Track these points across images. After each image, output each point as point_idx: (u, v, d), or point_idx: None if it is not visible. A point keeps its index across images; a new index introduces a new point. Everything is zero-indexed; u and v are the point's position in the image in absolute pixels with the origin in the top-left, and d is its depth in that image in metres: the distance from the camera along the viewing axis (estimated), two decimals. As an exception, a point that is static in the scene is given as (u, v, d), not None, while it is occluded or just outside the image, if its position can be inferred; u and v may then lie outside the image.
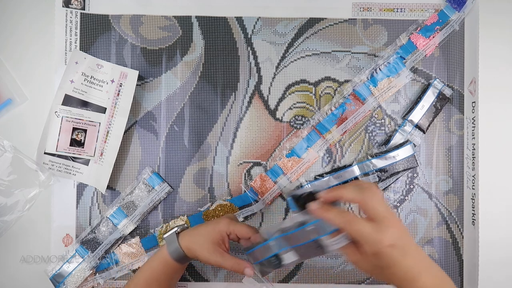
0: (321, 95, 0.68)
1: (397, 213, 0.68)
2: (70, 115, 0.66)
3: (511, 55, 0.67)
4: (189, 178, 0.69)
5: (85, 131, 0.66)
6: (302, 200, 0.48)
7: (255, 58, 0.68)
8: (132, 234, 0.68)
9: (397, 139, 0.67)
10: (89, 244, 0.67)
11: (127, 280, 0.68)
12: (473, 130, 0.66)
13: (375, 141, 0.68)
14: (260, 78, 0.68)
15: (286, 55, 0.68)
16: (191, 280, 0.69)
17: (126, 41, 0.69)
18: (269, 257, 0.51)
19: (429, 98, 0.67)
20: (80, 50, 0.68)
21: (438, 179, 0.68)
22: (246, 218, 0.68)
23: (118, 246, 0.68)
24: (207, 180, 0.69)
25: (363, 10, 0.69)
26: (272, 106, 0.69)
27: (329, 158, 0.68)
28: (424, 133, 0.67)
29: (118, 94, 0.66)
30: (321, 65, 0.68)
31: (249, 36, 0.69)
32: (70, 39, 0.68)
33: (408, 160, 0.65)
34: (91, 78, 0.66)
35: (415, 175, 0.68)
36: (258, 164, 0.68)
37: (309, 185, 0.59)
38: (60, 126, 0.66)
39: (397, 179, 0.67)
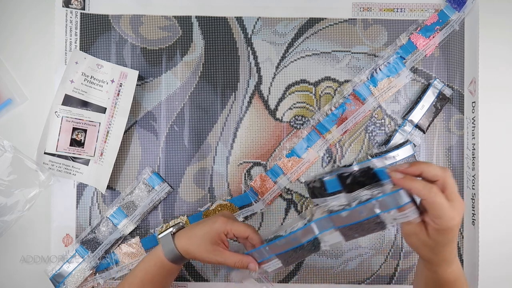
0: (321, 95, 0.69)
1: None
2: (70, 115, 0.66)
3: (511, 55, 0.67)
4: (189, 178, 0.69)
5: (85, 131, 0.66)
6: (355, 178, 0.49)
7: (255, 58, 0.68)
8: (132, 234, 0.68)
9: (397, 139, 0.67)
10: (89, 244, 0.67)
11: (127, 280, 0.68)
12: (473, 130, 0.66)
13: (375, 141, 0.68)
14: (260, 78, 0.68)
15: (286, 55, 0.68)
16: (191, 280, 0.69)
17: (126, 41, 0.69)
18: (305, 242, 0.49)
19: (429, 98, 0.67)
20: (80, 50, 0.68)
21: (438, 179, 0.68)
22: (246, 218, 0.68)
23: (118, 246, 0.68)
24: (207, 180, 0.69)
25: (363, 10, 0.69)
26: (272, 106, 0.69)
27: (329, 158, 0.68)
28: (424, 133, 0.67)
29: (118, 94, 0.66)
30: (321, 65, 0.69)
31: (249, 36, 0.69)
32: (70, 39, 0.68)
33: (408, 160, 0.65)
34: (91, 78, 0.66)
35: (415, 175, 0.68)
36: (258, 164, 0.68)
37: (357, 165, 0.58)
38: (60, 126, 0.66)
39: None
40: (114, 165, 0.66)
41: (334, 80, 0.68)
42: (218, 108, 0.69)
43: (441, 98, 0.67)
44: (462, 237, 0.67)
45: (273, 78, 0.69)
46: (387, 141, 0.67)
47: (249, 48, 0.69)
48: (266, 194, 0.67)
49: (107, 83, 0.67)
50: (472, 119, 0.66)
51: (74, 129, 0.66)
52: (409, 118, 0.66)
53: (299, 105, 0.68)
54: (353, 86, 0.67)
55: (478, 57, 0.64)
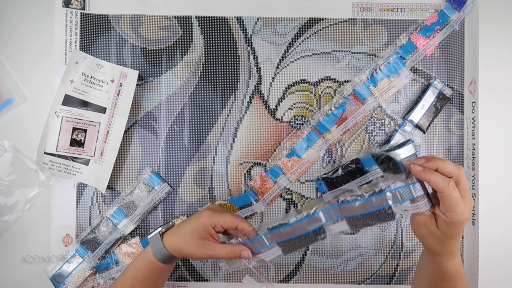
0: (321, 95, 0.69)
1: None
2: (70, 115, 0.66)
3: (511, 55, 0.67)
4: (189, 178, 0.69)
5: (85, 131, 0.66)
6: (382, 161, 0.54)
7: (255, 58, 0.68)
8: (132, 234, 0.68)
9: (397, 139, 0.67)
10: (89, 244, 0.67)
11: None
12: (473, 130, 0.66)
13: (375, 141, 0.68)
14: (260, 78, 0.68)
15: (286, 55, 0.68)
16: (191, 280, 0.69)
17: (126, 41, 0.69)
18: (311, 231, 0.50)
19: (429, 98, 0.67)
20: (80, 50, 0.68)
21: (438, 179, 0.68)
22: (246, 218, 0.68)
23: (118, 246, 0.68)
24: (207, 180, 0.69)
25: (363, 10, 0.69)
26: (272, 106, 0.69)
27: (329, 158, 0.68)
28: (424, 133, 0.67)
29: (118, 94, 0.66)
30: (321, 65, 0.69)
31: (249, 36, 0.69)
32: (70, 39, 0.68)
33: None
34: (91, 78, 0.66)
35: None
36: (258, 164, 0.68)
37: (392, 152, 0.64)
38: (60, 126, 0.66)
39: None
40: (114, 165, 0.66)
41: (334, 80, 0.68)
42: (218, 108, 0.69)
43: (441, 98, 0.67)
44: (462, 237, 0.67)
45: (273, 78, 0.69)
46: (387, 141, 0.67)
47: (249, 48, 0.69)
48: (266, 194, 0.67)
49: (107, 83, 0.67)
50: (472, 119, 0.66)
51: (74, 129, 0.66)
52: (409, 118, 0.66)
53: (299, 105, 0.68)
54: (353, 86, 0.67)
55: (478, 57, 0.64)
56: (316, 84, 0.69)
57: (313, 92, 0.69)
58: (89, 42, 0.68)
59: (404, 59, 0.67)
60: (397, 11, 0.68)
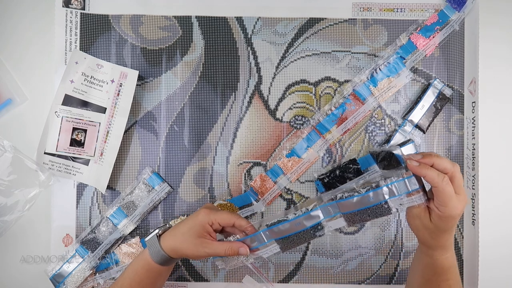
0: (321, 95, 0.69)
1: (397, 213, 0.68)
2: (70, 115, 0.66)
3: (511, 55, 0.67)
4: (189, 178, 0.69)
5: (85, 131, 0.66)
6: (382, 158, 0.55)
7: (255, 58, 0.68)
8: (132, 234, 0.68)
9: (397, 139, 0.67)
10: (89, 244, 0.67)
11: (127, 280, 0.68)
12: (473, 130, 0.66)
13: (375, 141, 0.68)
14: (260, 78, 0.68)
15: (286, 55, 0.68)
16: (191, 280, 0.69)
17: (126, 41, 0.69)
18: (309, 227, 0.51)
19: (429, 98, 0.67)
20: (80, 50, 0.68)
21: (438, 179, 0.68)
22: (246, 218, 0.68)
23: (118, 246, 0.68)
24: (207, 180, 0.69)
25: (363, 10, 0.69)
26: (272, 106, 0.69)
27: (329, 158, 0.68)
28: (424, 133, 0.67)
29: (118, 94, 0.66)
30: (321, 65, 0.69)
31: (249, 36, 0.69)
32: (70, 39, 0.68)
33: None
34: (91, 78, 0.66)
35: (415, 175, 0.68)
36: (258, 164, 0.68)
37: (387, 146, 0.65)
38: (60, 126, 0.66)
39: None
40: (114, 165, 0.66)
41: (334, 80, 0.68)
42: (218, 108, 0.69)
43: (441, 98, 0.67)
44: (462, 237, 0.67)
45: (273, 78, 0.69)
46: (387, 141, 0.67)
47: (249, 48, 0.69)
48: (266, 194, 0.67)
49: (107, 83, 0.67)
50: (472, 119, 0.66)
51: (74, 129, 0.66)
52: (409, 118, 0.66)
53: (299, 105, 0.68)
54: (353, 86, 0.67)
55: (478, 57, 0.64)
56: (316, 84, 0.69)
57: (313, 92, 0.69)
58: (89, 42, 0.68)
59: (404, 59, 0.67)
60: (397, 11, 0.68)
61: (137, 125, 0.69)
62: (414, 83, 0.68)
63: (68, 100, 0.66)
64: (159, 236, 0.55)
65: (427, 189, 0.50)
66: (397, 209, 0.49)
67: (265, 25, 0.68)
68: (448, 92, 0.67)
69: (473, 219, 0.65)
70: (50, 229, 0.68)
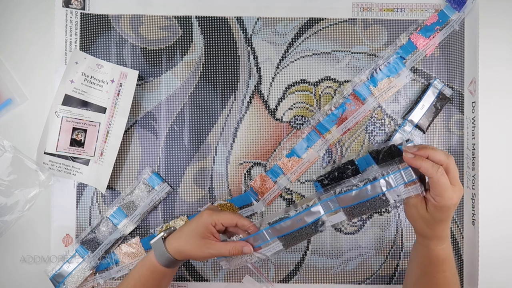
0: (321, 95, 0.69)
1: (397, 213, 0.68)
2: (70, 115, 0.66)
3: (511, 55, 0.67)
4: (189, 178, 0.69)
5: (85, 131, 0.66)
6: (383, 154, 0.57)
7: (255, 58, 0.68)
8: (132, 234, 0.68)
9: (397, 139, 0.67)
10: (89, 244, 0.67)
11: (127, 280, 0.68)
12: (473, 130, 0.66)
13: (375, 141, 0.68)
14: (260, 78, 0.68)
15: (286, 55, 0.68)
16: (191, 280, 0.69)
17: (126, 41, 0.69)
18: (310, 223, 0.52)
19: (429, 98, 0.67)
20: (80, 50, 0.68)
21: (438, 179, 0.68)
22: (246, 218, 0.68)
23: (118, 246, 0.68)
24: (207, 180, 0.69)
25: (363, 10, 0.69)
26: (272, 106, 0.69)
27: (329, 158, 0.68)
28: (424, 133, 0.67)
29: (118, 94, 0.66)
30: (321, 65, 0.68)
31: (249, 36, 0.69)
32: (70, 39, 0.68)
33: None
34: (91, 78, 0.66)
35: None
36: (258, 164, 0.68)
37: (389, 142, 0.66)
38: (60, 126, 0.66)
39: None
40: (114, 165, 0.66)
41: (334, 80, 0.68)
42: (218, 108, 0.69)
43: (441, 98, 0.67)
44: (462, 237, 0.67)
45: (273, 78, 0.69)
46: (387, 141, 0.67)
47: (249, 48, 0.69)
48: (266, 194, 0.67)
49: (107, 83, 0.67)
50: (472, 119, 0.66)
51: (74, 129, 0.66)
52: (409, 118, 0.66)
53: (299, 105, 0.68)
54: (353, 86, 0.67)
55: (478, 57, 0.64)
56: (316, 84, 0.69)
57: (313, 92, 0.69)
58: (89, 42, 0.68)
59: (404, 59, 0.67)
60: (397, 11, 0.68)
61: (137, 125, 0.69)
62: (414, 83, 0.68)
63: (68, 100, 0.66)
64: (164, 239, 0.56)
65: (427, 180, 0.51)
66: (394, 200, 0.50)
67: (265, 25, 0.68)
68: (448, 92, 0.67)
69: (473, 219, 0.65)
70: (50, 229, 0.68)
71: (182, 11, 0.69)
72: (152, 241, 0.56)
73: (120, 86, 0.66)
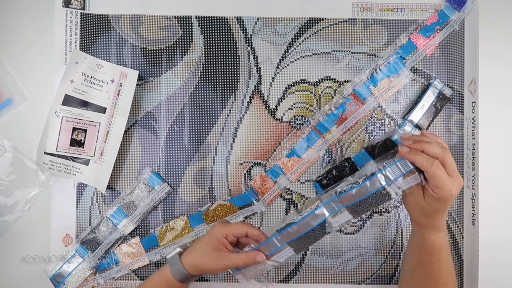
0: (321, 95, 0.69)
1: (397, 213, 0.68)
2: (70, 115, 0.66)
3: (511, 55, 0.67)
4: (189, 178, 0.69)
5: (85, 131, 0.66)
6: (379, 148, 0.56)
7: (255, 58, 0.68)
8: (132, 234, 0.68)
9: (391, 132, 0.67)
10: (89, 244, 0.67)
11: (127, 280, 0.68)
12: (473, 130, 0.66)
13: (370, 137, 0.68)
14: (260, 78, 0.68)
15: (286, 55, 0.68)
16: (191, 280, 0.69)
17: (126, 41, 0.69)
18: (316, 226, 0.52)
19: (429, 98, 0.67)
20: (80, 50, 0.68)
21: (438, 179, 0.68)
22: (246, 218, 0.68)
23: (118, 246, 0.68)
24: (207, 180, 0.69)
25: (363, 10, 0.69)
26: (272, 106, 0.69)
27: (329, 158, 0.68)
28: (424, 133, 0.67)
29: (118, 94, 0.66)
30: (321, 65, 0.69)
31: (249, 36, 0.69)
32: (70, 39, 0.68)
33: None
34: (91, 78, 0.66)
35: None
36: (258, 164, 0.68)
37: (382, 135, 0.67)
38: (60, 126, 0.66)
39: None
40: (114, 165, 0.66)
41: (334, 80, 0.68)
42: (218, 108, 0.69)
43: (441, 98, 0.67)
44: (462, 237, 0.67)
45: (273, 78, 0.69)
46: (381, 136, 0.67)
47: (249, 48, 0.69)
48: (266, 194, 0.67)
49: (107, 83, 0.67)
50: (472, 119, 0.66)
51: (74, 129, 0.66)
52: (409, 118, 0.66)
53: (299, 105, 0.68)
54: (353, 86, 0.67)
55: (478, 57, 0.64)
56: (316, 84, 0.69)
57: (313, 92, 0.69)
58: (89, 42, 0.68)
59: (404, 59, 0.67)
60: (397, 11, 0.68)
61: (137, 125, 0.69)
62: (414, 83, 0.68)
63: (68, 100, 0.66)
64: (180, 254, 0.57)
65: None
66: (396, 193, 0.50)
67: (265, 25, 0.68)
68: (448, 92, 0.67)
69: (473, 219, 0.65)
70: (50, 229, 0.68)
71: (182, 11, 0.69)
72: (168, 256, 0.57)
73: (120, 86, 0.66)
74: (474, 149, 0.65)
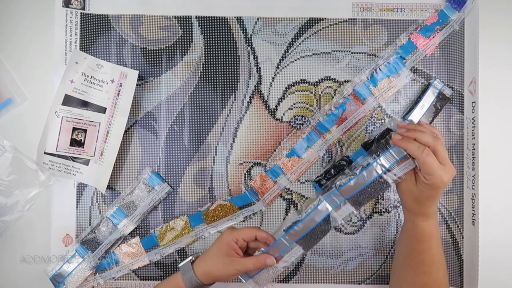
0: (321, 95, 0.69)
1: (397, 213, 0.68)
2: (70, 115, 0.66)
3: (511, 55, 0.67)
4: (189, 178, 0.69)
5: (85, 131, 0.66)
6: (378, 141, 0.58)
7: (255, 58, 0.68)
8: (132, 234, 0.68)
9: (386, 123, 0.67)
10: (89, 244, 0.67)
11: (127, 280, 0.68)
12: (473, 130, 0.66)
13: (366, 134, 0.68)
14: (260, 78, 0.68)
15: (286, 55, 0.68)
16: (191, 280, 0.68)
17: (126, 41, 0.69)
18: (321, 221, 0.53)
19: (429, 98, 0.67)
20: (80, 50, 0.68)
21: (438, 179, 0.68)
22: (246, 218, 0.68)
23: (118, 246, 0.68)
24: (207, 180, 0.69)
25: (363, 10, 0.69)
26: (272, 106, 0.69)
27: (329, 158, 0.68)
28: (424, 133, 0.67)
29: (118, 94, 0.66)
30: (321, 65, 0.69)
31: (249, 36, 0.69)
32: (70, 39, 0.68)
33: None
34: (91, 78, 0.66)
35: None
36: (258, 164, 0.68)
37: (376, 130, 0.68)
38: (60, 126, 0.66)
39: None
40: (114, 165, 0.66)
41: (334, 80, 0.68)
42: (218, 108, 0.69)
43: (441, 98, 0.67)
44: (462, 237, 0.67)
45: (273, 78, 0.69)
46: (377, 131, 0.67)
47: (249, 48, 0.69)
48: (266, 194, 0.67)
49: (107, 83, 0.67)
50: (472, 119, 0.66)
51: (74, 129, 0.66)
52: (409, 118, 0.66)
53: (299, 105, 0.68)
54: (353, 86, 0.67)
55: (478, 57, 0.64)
56: (316, 84, 0.69)
57: (313, 92, 0.69)
58: (89, 42, 0.68)
59: (404, 59, 0.67)
60: (397, 11, 0.68)
61: (137, 125, 0.69)
62: (414, 83, 0.68)
63: (68, 100, 0.66)
64: (192, 263, 0.57)
65: None
66: (393, 180, 0.52)
67: (265, 25, 0.68)
68: (448, 92, 0.67)
69: (473, 219, 0.65)
70: (50, 229, 0.68)
71: (182, 11, 0.69)
72: (180, 265, 0.58)
73: (120, 86, 0.66)
74: (474, 149, 0.65)
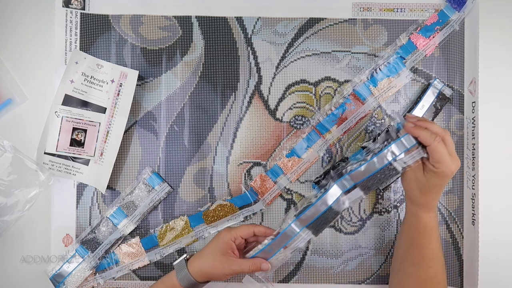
0: (321, 95, 0.69)
1: (397, 213, 0.68)
2: (70, 115, 0.66)
3: (511, 55, 0.67)
4: (189, 178, 0.69)
5: (85, 131, 0.66)
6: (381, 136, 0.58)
7: (255, 58, 0.68)
8: (132, 234, 0.68)
9: (386, 122, 0.67)
10: (89, 244, 0.67)
11: (127, 280, 0.68)
12: (473, 130, 0.66)
13: (366, 134, 0.68)
14: (260, 78, 0.68)
15: (286, 55, 0.68)
16: (191, 280, 0.68)
17: (126, 41, 0.69)
18: (332, 204, 0.54)
19: (429, 98, 0.67)
20: (80, 50, 0.68)
21: (438, 179, 0.68)
22: (246, 218, 0.68)
23: (118, 246, 0.68)
24: (207, 180, 0.69)
25: (363, 10, 0.69)
26: (272, 106, 0.69)
27: (329, 158, 0.68)
28: (424, 133, 0.67)
29: (118, 94, 0.66)
30: (321, 65, 0.69)
31: (249, 36, 0.69)
32: (70, 39, 0.68)
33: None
34: (91, 78, 0.66)
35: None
36: (258, 164, 0.68)
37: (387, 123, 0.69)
38: (60, 126, 0.66)
39: (397, 178, 0.67)
40: (114, 165, 0.66)
41: (334, 80, 0.68)
42: (218, 108, 0.69)
43: (441, 98, 0.67)
44: (462, 237, 0.67)
45: (273, 78, 0.69)
46: (377, 130, 0.67)
47: (249, 48, 0.69)
48: (266, 194, 0.67)
49: (107, 83, 0.67)
50: (472, 119, 0.66)
51: (74, 129, 0.66)
52: (409, 118, 0.66)
53: (299, 105, 0.68)
54: (353, 86, 0.67)
55: (478, 57, 0.64)
56: (316, 84, 0.69)
57: (313, 92, 0.69)
58: (89, 42, 0.68)
59: (404, 59, 0.67)
60: (397, 11, 0.68)
61: (137, 125, 0.69)
62: (414, 83, 0.68)
63: (68, 100, 0.66)
64: (187, 260, 0.57)
65: None
66: (402, 167, 0.53)
67: (265, 25, 0.68)
68: (448, 92, 0.67)
69: (473, 219, 0.65)
70: (50, 229, 0.68)
71: (182, 11, 0.69)
72: (175, 263, 0.58)
73: (120, 86, 0.66)
74: (474, 149, 0.65)
